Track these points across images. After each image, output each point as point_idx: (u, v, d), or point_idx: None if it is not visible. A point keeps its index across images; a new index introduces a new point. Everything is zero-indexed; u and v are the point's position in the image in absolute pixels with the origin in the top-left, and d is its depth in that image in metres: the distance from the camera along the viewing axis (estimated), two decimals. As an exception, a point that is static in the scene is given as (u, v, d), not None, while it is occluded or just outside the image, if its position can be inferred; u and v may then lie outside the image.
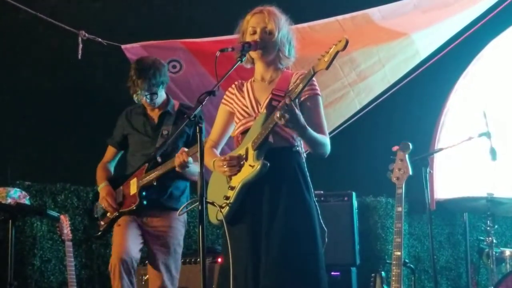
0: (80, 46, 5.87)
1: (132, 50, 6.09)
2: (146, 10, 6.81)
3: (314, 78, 3.42)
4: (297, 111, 3.18)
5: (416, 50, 6.03)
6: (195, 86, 6.06)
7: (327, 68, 3.16)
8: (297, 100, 3.37)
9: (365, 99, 6.27)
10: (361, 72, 6.09)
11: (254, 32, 3.48)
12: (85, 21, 6.29)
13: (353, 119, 6.33)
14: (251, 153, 3.34)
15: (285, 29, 3.50)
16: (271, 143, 3.32)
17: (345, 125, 6.33)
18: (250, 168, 3.32)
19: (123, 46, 6.08)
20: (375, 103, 6.27)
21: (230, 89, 3.67)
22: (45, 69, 6.57)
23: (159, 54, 6.14)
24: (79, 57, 5.87)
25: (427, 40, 6.05)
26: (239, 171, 3.37)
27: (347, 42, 3.10)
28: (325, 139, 3.43)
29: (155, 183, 4.48)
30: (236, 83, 3.67)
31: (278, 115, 3.17)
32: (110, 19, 6.61)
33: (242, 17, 3.58)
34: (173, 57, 6.13)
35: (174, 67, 6.14)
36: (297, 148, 3.45)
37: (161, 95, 4.67)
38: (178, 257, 4.63)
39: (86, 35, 5.92)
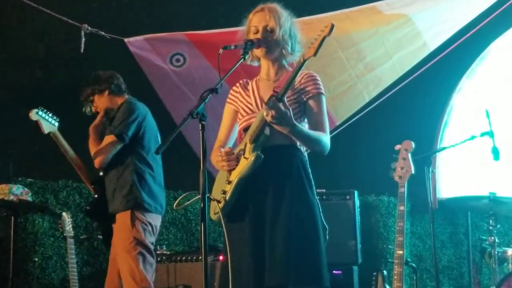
0: (83, 39, 5.84)
1: (136, 43, 6.07)
2: (148, 3, 6.77)
3: (318, 78, 3.48)
4: (283, 108, 3.18)
5: (423, 41, 6.01)
6: (199, 80, 6.03)
7: (314, 54, 3.20)
8: (302, 98, 3.42)
9: (374, 91, 6.24)
10: (368, 64, 6.09)
11: (257, 31, 3.49)
12: (88, 15, 6.28)
13: (362, 113, 6.29)
14: (248, 146, 3.34)
15: (287, 25, 3.50)
16: (267, 136, 3.31)
17: (354, 119, 6.30)
18: (245, 161, 3.32)
19: (126, 40, 6.06)
20: (379, 100, 6.26)
21: (234, 87, 3.67)
22: (47, 64, 6.55)
23: (163, 47, 6.13)
24: (82, 50, 5.85)
25: (434, 31, 6.04)
26: (237, 165, 3.37)
27: (332, 27, 3.15)
28: (320, 136, 3.41)
29: None
30: (241, 81, 3.67)
31: (265, 112, 3.18)
32: (113, 12, 6.58)
33: (246, 9, 3.59)
34: (177, 50, 6.11)
35: (177, 60, 6.12)
36: (300, 146, 3.45)
37: (100, 106, 4.82)
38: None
39: (89, 28, 5.89)
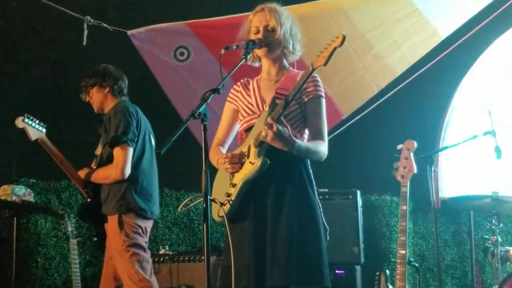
0: (85, 32, 5.80)
1: (139, 36, 6.03)
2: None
3: (319, 79, 3.48)
4: (282, 128, 3.18)
5: (433, 30, 5.99)
6: (203, 74, 6.01)
7: (325, 64, 3.19)
8: (302, 99, 3.43)
9: (383, 82, 6.19)
10: (376, 54, 6.06)
11: (258, 31, 3.50)
12: (91, 7, 6.25)
13: (368, 109, 6.26)
14: (253, 150, 3.34)
15: (287, 24, 3.51)
16: None
17: (360, 116, 6.28)
18: (251, 165, 3.32)
19: (129, 32, 6.03)
20: (381, 100, 6.24)
21: (235, 86, 3.68)
22: (49, 62, 6.53)
23: (166, 40, 6.09)
24: (84, 43, 5.81)
25: (444, 20, 6.01)
26: (241, 168, 3.38)
27: (344, 38, 3.13)
28: (318, 148, 3.42)
29: None
30: (242, 80, 3.68)
31: (263, 134, 3.19)
32: (116, 5, 6.56)
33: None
34: (181, 43, 6.07)
35: (182, 54, 6.09)
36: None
37: (95, 99, 4.80)
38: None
39: (92, 20, 5.85)
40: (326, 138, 3.48)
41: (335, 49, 3.16)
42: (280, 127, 3.18)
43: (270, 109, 3.34)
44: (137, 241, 4.50)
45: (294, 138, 3.27)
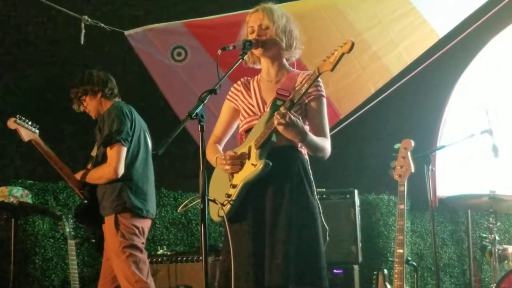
0: (83, 32, 5.78)
1: (136, 36, 6.02)
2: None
3: (320, 79, 3.46)
4: (294, 118, 3.18)
5: (431, 29, 5.98)
6: (201, 75, 6.00)
7: (332, 70, 3.19)
8: (303, 100, 3.42)
9: (380, 82, 6.18)
10: (373, 54, 6.04)
11: (253, 31, 3.51)
12: (88, 7, 6.24)
13: (366, 108, 6.25)
14: (254, 152, 3.34)
15: (281, 21, 3.51)
16: (274, 142, 3.32)
17: (357, 114, 6.27)
18: (252, 167, 3.32)
19: (126, 33, 6.02)
20: (379, 98, 6.24)
21: (235, 85, 3.67)
22: (46, 63, 6.52)
23: (163, 40, 6.08)
24: (82, 42, 5.79)
25: (442, 18, 6.00)
26: (241, 169, 3.38)
27: (352, 44, 3.14)
28: (325, 144, 3.43)
29: None
30: (242, 79, 3.67)
31: (276, 122, 3.18)
32: (113, 5, 6.55)
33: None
34: (178, 43, 6.06)
35: (179, 54, 6.08)
36: (301, 147, 3.45)
37: (90, 107, 4.80)
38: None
39: (89, 20, 5.83)
40: (329, 137, 3.49)
41: (343, 55, 3.16)
42: (293, 117, 3.19)
43: (272, 111, 3.34)
44: (133, 242, 4.49)
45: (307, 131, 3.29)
